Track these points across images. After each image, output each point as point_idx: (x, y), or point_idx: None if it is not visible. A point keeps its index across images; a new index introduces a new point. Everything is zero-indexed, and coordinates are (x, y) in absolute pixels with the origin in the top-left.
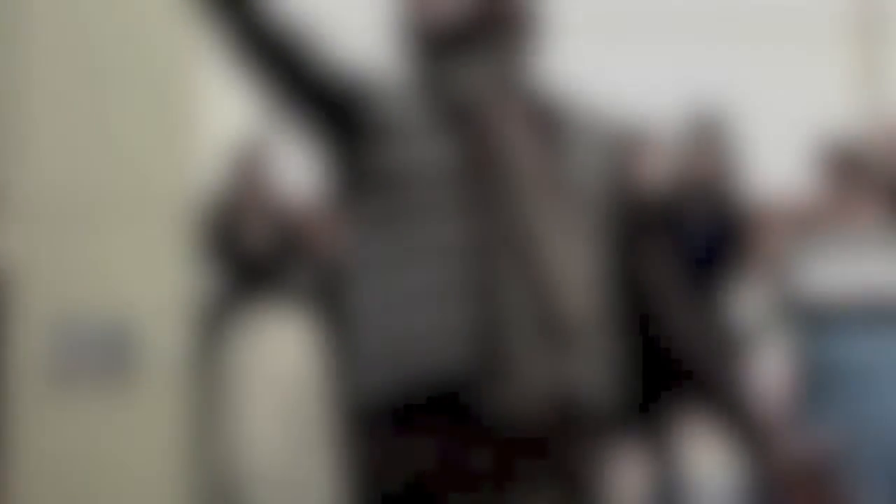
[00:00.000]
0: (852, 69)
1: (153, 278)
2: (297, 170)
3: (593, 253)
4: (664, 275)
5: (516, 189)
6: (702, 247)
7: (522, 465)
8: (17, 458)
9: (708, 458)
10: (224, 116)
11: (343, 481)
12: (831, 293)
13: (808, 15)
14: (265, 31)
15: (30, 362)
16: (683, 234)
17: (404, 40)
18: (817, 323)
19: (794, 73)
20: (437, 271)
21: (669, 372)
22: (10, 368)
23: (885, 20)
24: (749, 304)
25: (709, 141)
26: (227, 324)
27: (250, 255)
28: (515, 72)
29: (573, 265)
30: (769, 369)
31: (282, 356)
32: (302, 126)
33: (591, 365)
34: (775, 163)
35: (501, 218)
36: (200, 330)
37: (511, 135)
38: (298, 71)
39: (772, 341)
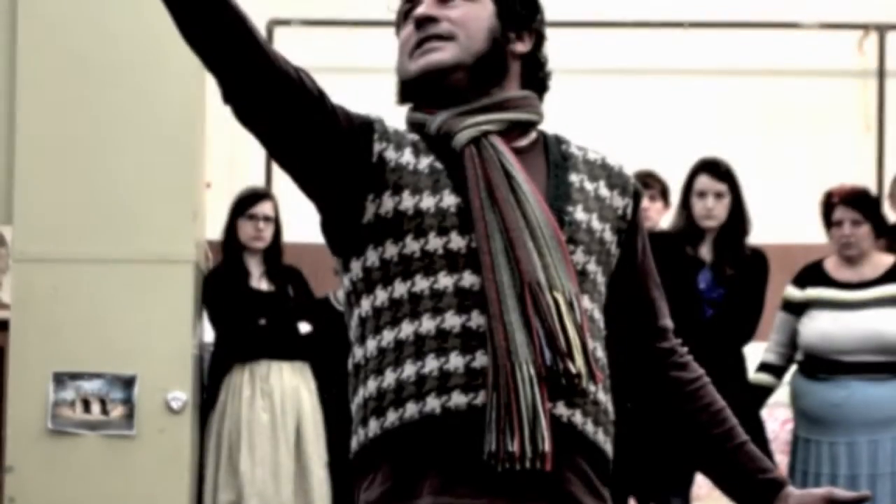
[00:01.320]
0: (862, 158)
1: (157, 330)
2: (301, 215)
3: (599, 298)
4: (667, 323)
5: (518, 236)
6: (714, 292)
7: None
8: None
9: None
10: (231, 166)
11: None
12: (837, 342)
13: (821, 104)
14: (273, 75)
15: (29, 413)
16: (695, 279)
17: (405, 88)
18: (825, 371)
19: (805, 158)
20: (440, 318)
21: (678, 425)
22: (8, 419)
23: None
24: (761, 352)
25: (720, 184)
26: (231, 373)
27: (254, 300)
28: (518, 116)
29: (578, 311)
30: (777, 416)
31: (286, 403)
32: (303, 172)
33: (594, 413)
34: (788, 216)
35: (504, 264)
36: (204, 380)
37: (514, 182)
38: (303, 115)
39: (781, 389)
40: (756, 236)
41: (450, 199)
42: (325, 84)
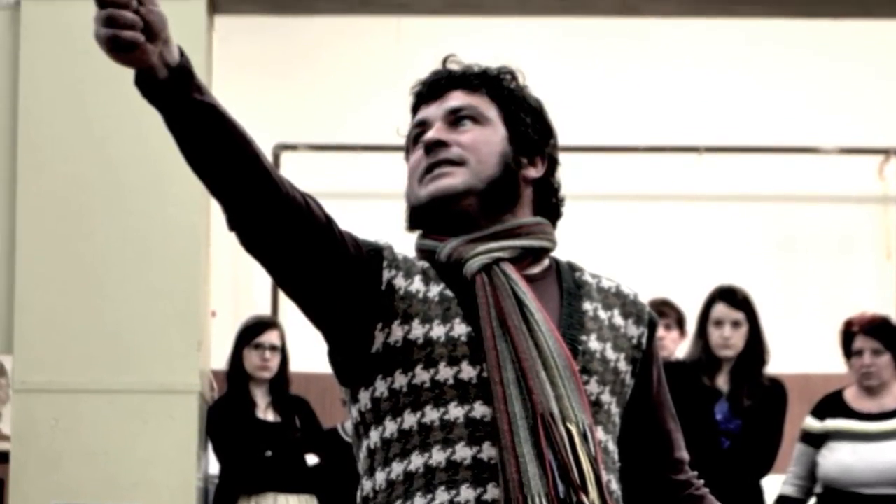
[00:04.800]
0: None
1: (161, 462)
2: (308, 344)
3: (613, 429)
4: (683, 455)
5: (531, 366)
6: (731, 423)
7: None
8: None
9: None
10: (236, 294)
11: None
12: (857, 475)
13: (841, 230)
14: (280, 201)
15: None
16: (711, 410)
17: (414, 214)
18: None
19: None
20: (450, 449)
21: None
22: None
23: None
24: (779, 485)
25: (737, 312)
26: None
27: (260, 431)
28: (531, 243)
29: (592, 443)
30: None
31: None
32: (310, 301)
33: None
34: (806, 345)
35: (516, 395)
36: None
37: (527, 310)
38: (311, 242)
39: None
40: (774, 366)
41: (460, 329)
42: (333, 209)
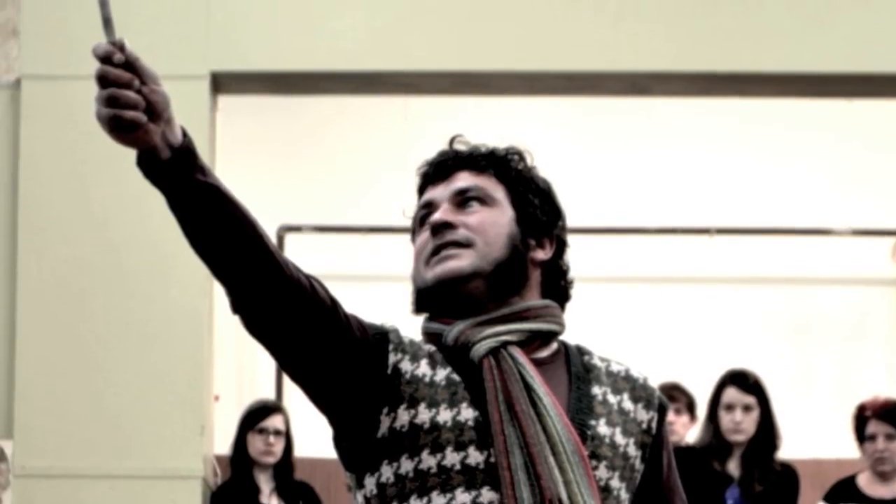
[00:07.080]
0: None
1: None
2: (313, 429)
3: None
4: None
5: (539, 451)
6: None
7: None
8: None
9: None
10: (239, 377)
11: None
12: None
13: (853, 313)
14: (285, 285)
15: None
16: (723, 496)
17: (421, 297)
18: None
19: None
20: None
21: None
22: None
23: None
24: None
25: (748, 397)
26: None
27: None
28: (539, 327)
29: None
30: None
31: None
32: (315, 385)
33: None
34: (819, 429)
35: (524, 480)
36: None
37: (535, 395)
38: (315, 326)
39: None
40: (786, 451)
41: (467, 413)
42: (337, 292)
